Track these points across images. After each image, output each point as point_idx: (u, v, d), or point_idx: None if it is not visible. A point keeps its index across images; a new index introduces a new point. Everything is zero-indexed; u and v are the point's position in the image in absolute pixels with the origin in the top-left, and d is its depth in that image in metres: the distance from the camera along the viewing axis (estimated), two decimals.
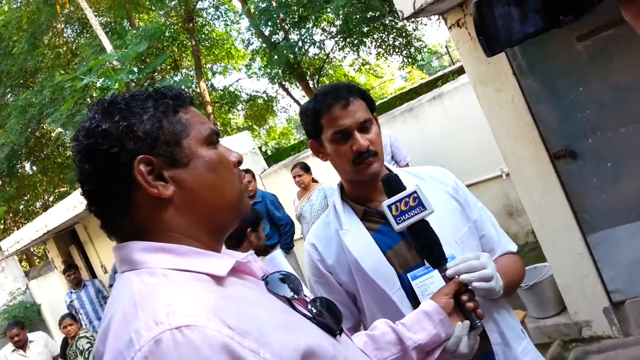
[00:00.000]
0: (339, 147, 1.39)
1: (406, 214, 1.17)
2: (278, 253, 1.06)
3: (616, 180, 3.15)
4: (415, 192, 1.17)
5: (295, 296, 0.88)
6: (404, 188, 1.21)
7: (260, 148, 15.06)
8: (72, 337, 6.10)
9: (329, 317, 0.90)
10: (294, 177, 5.45)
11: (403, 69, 15.81)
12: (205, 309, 0.70)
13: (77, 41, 15.74)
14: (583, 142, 3.19)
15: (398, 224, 1.17)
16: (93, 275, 9.39)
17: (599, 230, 3.26)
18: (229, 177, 0.90)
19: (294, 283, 0.90)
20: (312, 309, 0.90)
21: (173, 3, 15.63)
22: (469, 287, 1.18)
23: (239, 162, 0.93)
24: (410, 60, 14.37)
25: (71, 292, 7.47)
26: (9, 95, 15.66)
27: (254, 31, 14.59)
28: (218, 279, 0.79)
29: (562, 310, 3.64)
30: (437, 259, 1.19)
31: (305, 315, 0.86)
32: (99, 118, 0.83)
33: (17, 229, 11.75)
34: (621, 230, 3.19)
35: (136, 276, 0.78)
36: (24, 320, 10.02)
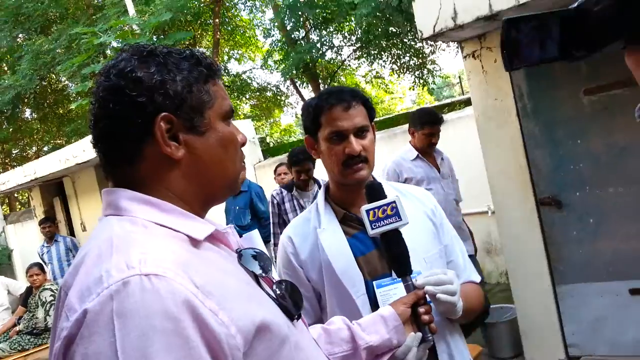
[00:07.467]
0: (333, 147, 1.43)
1: (382, 221, 1.22)
2: (256, 233, 1.10)
3: (595, 237, 3.21)
4: (394, 202, 1.22)
5: (263, 274, 0.92)
6: (384, 196, 1.26)
7: (263, 139, 15.09)
8: (37, 287, 6.10)
9: (290, 302, 0.93)
10: (279, 175, 5.25)
11: (414, 89, 15.88)
12: (176, 264, 0.74)
13: None
14: (571, 193, 3.25)
15: (372, 229, 1.22)
16: (71, 230, 9.37)
17: (569, 282, 3.32)
18: (234, 156, 0.93)
19: (264, 262, 0.94)
20: (277, 290, 0.94)
21: None
22: (429, 302, 1.23)
23: (243, 144, 0.97)
24: (421, 81, 14.48)
25: (43, 246, 7.41)
26: (21, 38, 15.57)
27: (276, 23, 14.65)
28: (194, 241, 0.83)
29: (518, 354, 3.70)
30: (403, 269, 1.23)
31: (268, 294, 0.90)
32: (135, 63, 0.84)
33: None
34: (590, 287, 3.24)
35: (118, 221, 0.82)
36: None
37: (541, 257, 3.35)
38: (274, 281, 0.97)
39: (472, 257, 3.73)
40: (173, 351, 0.68)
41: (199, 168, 0.88)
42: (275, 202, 4.54)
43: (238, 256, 0.91)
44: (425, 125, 3.65)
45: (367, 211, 1.23)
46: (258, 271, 0.91)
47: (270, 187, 6.14)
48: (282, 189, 4.57)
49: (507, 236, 3.49)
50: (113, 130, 0.85)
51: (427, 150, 3.72)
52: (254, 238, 1.06)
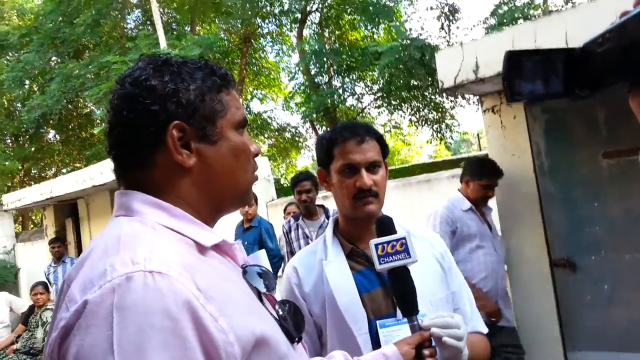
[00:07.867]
0: (344, 180, 1.43)
1: (390, 257, 1.19)
2: (262, 253, 1.09)
3: (610, 304, 3.12)
4: (404, 238, 1.19)
5: (267, 292, 0.91)
6: (395, 232, 1.24)
7: (278, 180, 15.18)
8: (40, 307, 6.06)
9: (292, 324, 0.92)
10: (288, 214, 5.26)
11: (431, 143, 15.98)
12: (181, 264, 0.74)
13: (136, 30, 16.28)
14: (585, 257, 3.19)
15: (380, 264, 1.19)
16: (80, 253, 9.36)
17: (581, 349, 3.21)
18: (246, 166, 0.94)
19: (269, 281, 0.93)
20: (279, 310, 0.93)
21: (237, 22, 16.16)
22: (433, 345, 1.18)
23: (256, 154, 0.97)
24: (439, 135, 14.57)
25: (50, 266, 7.37)
26: (54, 61, 16.07)
27: (301, 67, 14.99)
28: (201, 247, 0.83)
29: None
30: (409, 308, 1.19)
31: (270, 314, 0.89)
32: (150, 72, 0.86)
33: None
34: (603, 357, 3.13)
35: (127, 221, 0.83)
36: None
37: (553, 321, 3.26)
38: (277, 301, 0.95)
39: (514, 329, 3.38)
40: (169, 350, 0.67)
41: (210, 177, 0.89)
42: (284, 231, 4.65)
43: (243, 272, 0.91)
44: (484, 176, 3.33)
45: (376, 245, 1.21)
46: (262, 289, 0.90)
47: (281, 225, 6.14)
48: (292, 219, 4.65)
49: (519, 296, 3.41)
50: (127, 137, 0.87)
51: (479, 204, 3.39)
52: (261, 257, 1.05)
